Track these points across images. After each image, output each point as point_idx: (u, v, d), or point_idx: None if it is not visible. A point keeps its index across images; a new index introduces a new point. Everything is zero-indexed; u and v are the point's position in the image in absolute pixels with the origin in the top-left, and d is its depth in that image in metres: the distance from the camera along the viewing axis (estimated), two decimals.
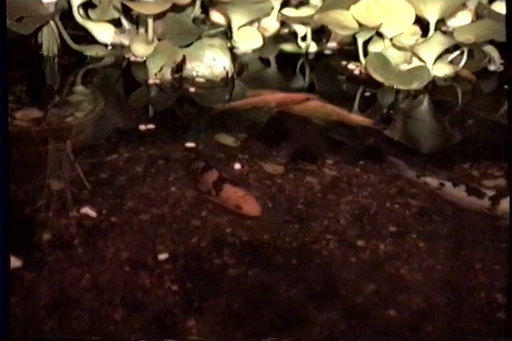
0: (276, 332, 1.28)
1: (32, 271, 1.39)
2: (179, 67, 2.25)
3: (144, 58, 2.31)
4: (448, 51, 2.24)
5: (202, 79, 2.25)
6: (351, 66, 2.34)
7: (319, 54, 2.47)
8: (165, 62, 2.23)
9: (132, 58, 2.37)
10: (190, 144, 1.86)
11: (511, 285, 1.37)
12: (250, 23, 2.44)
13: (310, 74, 2.40)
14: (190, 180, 1.70)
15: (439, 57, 2.21)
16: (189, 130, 1.99)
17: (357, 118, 2.00)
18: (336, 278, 1.41)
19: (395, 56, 2.24)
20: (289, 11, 2.42)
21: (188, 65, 2.26)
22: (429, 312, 1.33)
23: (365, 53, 2.27)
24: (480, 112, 2.09)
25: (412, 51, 2.20)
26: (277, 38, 2.53)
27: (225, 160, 1.80)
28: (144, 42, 2.33)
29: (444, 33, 2.26)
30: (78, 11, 2.37)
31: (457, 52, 2.25)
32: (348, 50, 2.43)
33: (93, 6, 2.40)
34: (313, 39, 2.45)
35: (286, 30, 2.55)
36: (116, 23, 2.42)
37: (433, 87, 2.22)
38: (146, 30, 2.31)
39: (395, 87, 2.18)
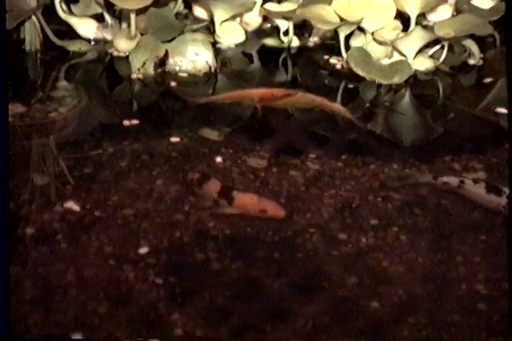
0: (260, 325, 1.29)
1: (16, 265, 1.39)
2: (162, 62, 2.25)
3: (127, 53, 2.31)
4: (428, 45, 2.25)
5: (185, 74, 2.26)
6: (333, 60, 2.35)
7: (301, 48, 2.48)
8: (148, 57, 2.24)
9: (115, 53, 2.37)
10: (174, 139, 1.87)
11: (511, 286, 1.39)
12: (233, 17, 2.44)
13: (292, 69, 2.41)
14: (175, 178, 1.71)
15: (420, 51, 2.22)
16: (173, 124, 2.00)
17: (336, 106, 2.03)
18: (319, 271, 1.43)
19: (376, 50, 2.25)
20: (271, 6, 2.42)
21: (171, 60, 2.26)
22: (411, 303, 1.35)
23: (347, 48, 2.28)
24: (460, 106, 2.11)
25: (393, 45, 2.21)
26: (260, 33, 2.54)
27: (209, 155, 1.80)
28: (127, 37, 2.33)
29: (425, 27, 2.28)
30: (61, 6, 2.36)
31: (437, 47, 2.27)
32: (330, 44, 2.44)
33: (76, 1, 2.39)
34: (296, 34, 2.46)
35: (268, 25, 2.56)
36: (99, 18, 2.41)
37: (414, 80, 2.23)
38: (129, 25, 2.31)
39: (376, 81, 2.19)
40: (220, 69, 2.31)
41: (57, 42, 2.38)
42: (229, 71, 2.35)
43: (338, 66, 2.32)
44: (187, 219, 1.56)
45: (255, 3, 2.41)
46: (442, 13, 2.34)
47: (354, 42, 2.31)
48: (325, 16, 2.21)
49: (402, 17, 2.26)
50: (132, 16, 2.27)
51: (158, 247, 1.47)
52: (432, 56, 2.29)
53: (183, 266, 1.43)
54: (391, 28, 2.24)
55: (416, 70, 2.24)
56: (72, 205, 1.58)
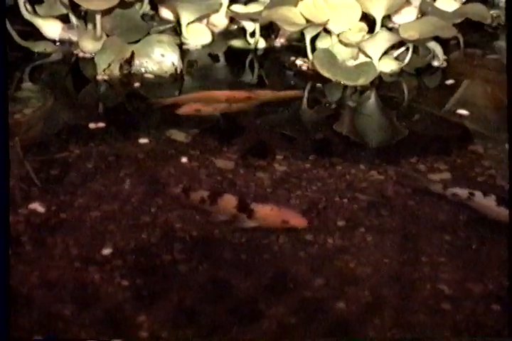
0: (226, 327, 1.30)
1: None
2: (128, 63, 2.24)
3: (93, 54, 2.30)
4: (394, 47, 2.27)
5: (151, 75, 2.25)
6: (299, 62, 2.35)
7: (268, 50, 2.48)
8: (113, 59, 2.22)
9: (81, 54, 2.36)
10: (141, 140, 1.86)
11: (511, 286, 1.41)
12: (199, 19, 2.43)
13: (259, 70, 2.42)
14: (142, 180, 1.70)
15: (385, 53, 2.24)
16: (139, 126, 1.99)
17: (288, 92, 2.08)
18: (286, 272, 1.43)
19: (341, 52, 2.26)
20: (237, 8, 2.42)
21: (137, 61, 2.25)
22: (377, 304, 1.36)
23: (313, 49, 2.29)
24: (425, 107, 2.13)
25: (359, 47, 2.22)
26: (226, 34, 2.53)
27: (176, 156, 1.80)
28: (93, 38, 2.31)
29: (390, 29, 2.30)
30: (25, 6, 2.34)
31: (402, 49, 2.29)
32: (297, 46, 2.44)
33: (40, 2, 2.37)
34: (262, 35, 2.46)
35: (235, 27, 2.56)
36: (64, 19, 2.39)
37: (379, 82, 2.25)
38: (95, 26, 2.30)
39: (342, 82, 2.20)
40: (187, 71, 2.30)
41: (22, 43, 2.36)
42: (195, 72, 2.35)
43: (304, 67, 2.33)
44: (154, 220, 1.56)
45: (221, 4, 2.42)
46: (407, 15, 2.36)
47: (320, 44, 2.32)
48: (291, 18, 2.22)
49: (367, 19, 2.27)
50: (98, 17, 2.26)
51: (125, 249, 1.46)
52: (397, 58, 2.31)
53: (149, 267, 1.42)
54: (357, 30, 2.25)
55: (381, 72, 2.26)
56: (37, 207, 1.57)
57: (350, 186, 1.71)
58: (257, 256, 1.47)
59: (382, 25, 2.25)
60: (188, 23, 2.41)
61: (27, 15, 2.36)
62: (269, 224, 1.54)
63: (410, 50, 2.26)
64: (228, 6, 2.43)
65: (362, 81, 2.20)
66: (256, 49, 2.48)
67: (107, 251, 1.45)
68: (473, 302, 1.36)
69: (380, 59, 2.23)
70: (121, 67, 2.23)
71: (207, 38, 2.48)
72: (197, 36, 2.46)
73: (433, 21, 2.21)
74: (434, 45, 2.32)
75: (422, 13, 2.34)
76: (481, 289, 1.39)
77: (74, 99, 2.21)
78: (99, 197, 1.63)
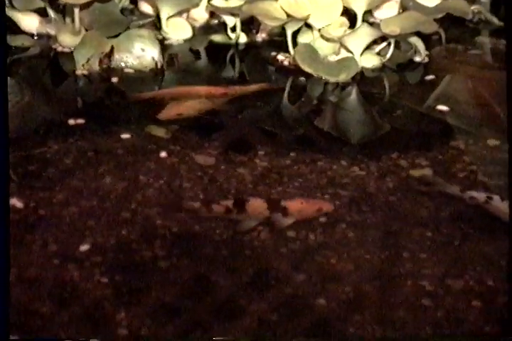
0: (206, 323, 1.28)
1: None
2: (108, 58, 2.22)
3: (72, 49, 2.27)
4: (375, 42, 2.26)
5: (131, 70, 2.23)
6: (281, 57, 2.34)
7: (249, 44, 2.47)
8: (92, 53, 2.20)
9: (59, 49, 2.33)
10: (122, 136, 1.85)
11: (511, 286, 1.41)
12: (179, 13, 2.42)
13: (240, 65, 2.40)
14: (121, 175, 1.69)
15: (367, 48, 2.23)
16: (118, 121, 1.97)
17: (259, 85, 2.10)
18: (267, 268, 1.42)
19: (323, 47, 2.25)
20: (218, 2, 2.41)
21: (117, 56, 2.23)
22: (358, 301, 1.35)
23: (295, 44, 2.28)
24: (407, 103, 2.12)
25: (340, 42, 2.22)
26: (207, 29, 2.52)
27: (156, 152, 1.79)
28: (71, 32, 2.29)
29: (372, 24, 2.29)
30: None
31: (384, 44, 2.28)
32: (278, 40, 2.43)
33: None
34: (243, 30, 2.45)
35: (215, 21, 2.55)
36: (42, 13, 2.37)
37: (361, 77, 2.24)
38: (73, 21, 2.28)
39: (323, 77, 2.19)
40: (167, 66, 2.29)
41: None
42: (176, 67, 2.33)
43: (286, 62, 2.32)
44: (134, 216, 1.54)
45: None
46: (388, 10, 2.36)
47: (301, 39, 2.31)
48: (272, 12, 2.21)
49: (348, 14, 2.26)
50: (76, 11, 2.24)
51: (104, 245, 1.45)
52: (378, 53, 2.30)
53: (129, 264, 1.41)
54: (338, 25, 2.24)
55: (363, 67, 2.25)
56: (15, 202, 1.55)
57: (331, 182, 1.70)
58: (239, 252, 1.46)
59: (364, 20, 2.25)
60: (168, 18, 2.40)
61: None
62: (305, 216, 1.55)
63: (392, 45, 2.26)
64: (209, 0, 2.41)
65: (343, 76, 2.19)
66: (237, 44, 2.46)
67: (87, 249, 1.44)
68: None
69: (361, 54, 2.22)
70: (100, 62, 2.21)
71: (187, 33, 2.46)
72: (177, 31, 2.44)
73: (414, 16, 2.21)
74: (415, 40, 2.31)
75: (404, 8, 2.34)
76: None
77: (52, 94, 2.18)
78: (78, 193, 1.61)
